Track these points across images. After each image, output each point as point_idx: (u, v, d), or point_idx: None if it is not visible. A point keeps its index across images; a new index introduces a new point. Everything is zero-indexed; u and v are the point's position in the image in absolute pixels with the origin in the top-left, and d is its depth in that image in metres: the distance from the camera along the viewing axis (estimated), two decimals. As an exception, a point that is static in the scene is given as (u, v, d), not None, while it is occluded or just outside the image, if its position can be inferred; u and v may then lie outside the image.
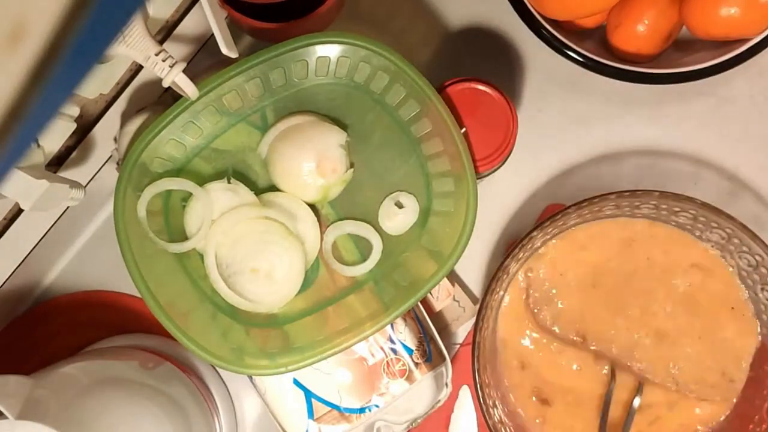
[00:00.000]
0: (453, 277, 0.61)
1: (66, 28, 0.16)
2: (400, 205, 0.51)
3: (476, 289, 0.62)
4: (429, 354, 0.54)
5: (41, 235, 0.58)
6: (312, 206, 0.52)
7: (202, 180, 0.51)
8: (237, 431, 0.61)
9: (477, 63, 0.62)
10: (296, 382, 0.53)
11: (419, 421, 0.54)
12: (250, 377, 0.54)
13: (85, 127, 0.58)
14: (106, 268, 0.61)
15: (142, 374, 0.54)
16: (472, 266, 0.62)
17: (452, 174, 0.50)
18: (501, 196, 0.62)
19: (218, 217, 0.50)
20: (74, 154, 0.58)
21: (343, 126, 0.52)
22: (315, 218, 0.51)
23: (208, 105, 0.50)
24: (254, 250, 0.50)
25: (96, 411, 0.48)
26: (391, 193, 0.52)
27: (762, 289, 0.54)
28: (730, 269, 0.55)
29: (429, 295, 0.58)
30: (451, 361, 0.57)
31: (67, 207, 0.57)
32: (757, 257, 0.52)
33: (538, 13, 0.56)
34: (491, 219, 0.62)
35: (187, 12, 0.59)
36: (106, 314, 0.61)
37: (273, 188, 0.52)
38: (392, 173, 0.52)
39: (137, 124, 0.53)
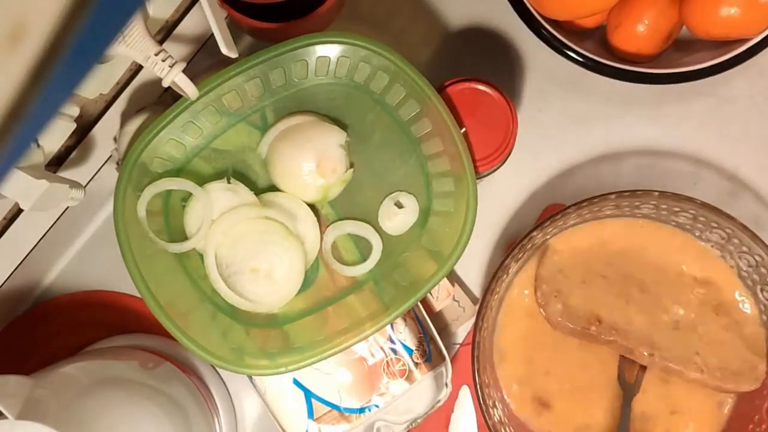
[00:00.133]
0: (453, 277, 0.61)
1: (66, 28, 0.16)
2: (400, 205, 0.51)
3: (476, 289, 0.62)
4: (429, 354, 0.54)
5: (41, 235, 0.58)
6: (312, 206, 0.52)
7: (202, 180, 0.51)
8: (237, 431, 0.61)
9: (477, 63, 0.62)
10: (296, 382, 0.53)
11: (419, 421, 0.54)
12: (250, 377, 0.54)
13: (85, 127, 0.58)
14: (106, 268, 0.61)
15: (142, 374, 0.54)
16: (472, 266, 0.62)
17: (452, 174, 0.50)
18: (501, 196, 0.62)
19: (218, 217, 0.50)
20: (74, 154, 0.58)
21: (343, 126, 0.52)
22: (315, 218, 0.51)
23: (208, 105, 0.50)
24: (254, 250, 0.50)
25: (96, 411, 0.48)
26: (391, 193, 0.52)
27: (762, 289, 0.54)
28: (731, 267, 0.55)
29: (429, 295, 0.58)
30: (451, 361, 0.57)
31: (67, 207, 0.57)
32: (757, 257, 0.52)
33: (538, 13, 0.56)
34: (491, 219, 0.62)
35: (187, 12, 0.59)
36: (106, 314, 0.61)
37: (273, 188, 0.52)
38: (392, 173, 0.52)
39: (137, 124, 0.53)
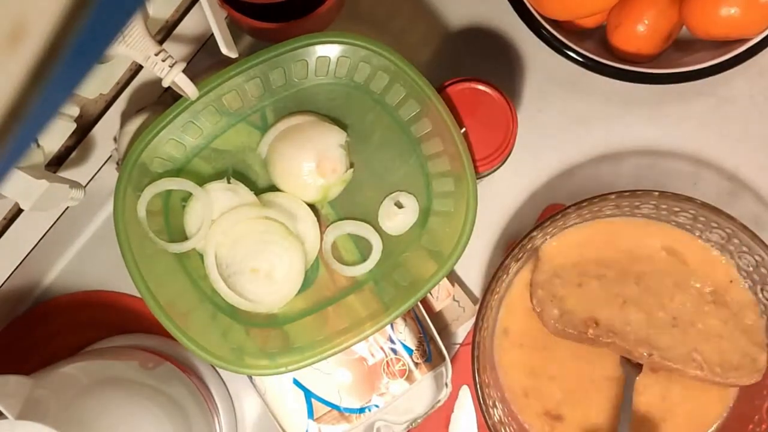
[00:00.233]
0: (453, 277, 0.61)
1: (66, 28, 0.16)
2: (400, 205, 0.51)
3: (476, 289, 0.62)
4: (429, 354, 0.54)
5: (41, 235, 0.58)
6: (312, 206, 0.52)
7: (202, 180, 0.51)
8: (237, 431, 0.61)
9: (477, 63, 0.62)
10: (296, 382, 0.53)
11: (419, 421, 0.54)
12: (250, 377, 0.54)
13: (85, 127, 0.58)
14: (106, 268, 0.61)
15: (142, 374, 0.54)
16: (472, 266, 0.62)
17: (452, 174, 0.50)
18: (501, 196, 0.62)
19: (218, 217, 0.50)
20: (74, 154, 0.58)
21: (343, 126, 0.52)
22: (315, 218, 0.51)
23: (208, 105, 0.50)
24: (254, 250, 0.50)
25: (96, 411, 0.48)
26: (391, 193, 0.52)
27: (762, 289, 0.54)
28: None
29: (429, 295, 0.58)
30: (451, 361, 0.57)
31: (67, 207, 0.57)
32: (757, 257, 0.52)
33: (538, 13, 0.56)
34: (491, 219, 0.62)
35: (187, 12, 0.59)
36: (106, 314, 0.61)
37: (273, 188, 0.52)
38: (392, 173, 0.52)
39: (137, 124, 0.53)
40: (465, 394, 0.60)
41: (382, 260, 0.51)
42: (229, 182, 0.51)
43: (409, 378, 0.53)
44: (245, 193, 0.51)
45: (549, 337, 0.56)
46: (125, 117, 0.58)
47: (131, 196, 0.49)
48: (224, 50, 0.47)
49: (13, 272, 0.58)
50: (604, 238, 0.56)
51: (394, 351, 0.53)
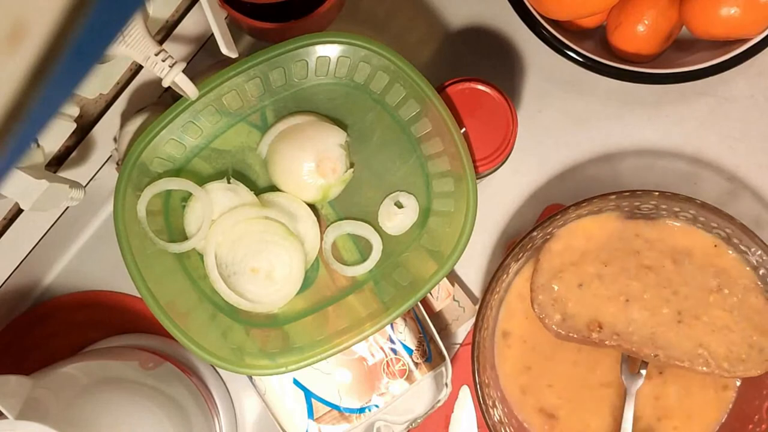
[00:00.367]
0: (453, 277, 0.61)
1: (66, 28, 0.16)
2: (400, 205, 0.51)
3: (476, 289, 0.62)
4: (429, 354, 0.54)
5: (41, 235, 0.58)
6: (312, 206, 0.52)
7: (202, 180, 0.51)
8: (237, 431, 0.61)
9: (477, 63, 0.62)
10: (296, 382, 0.53)
11: (419, 421, 0.54)
12: (250, 377, 0.54)
13: (84, 127, 0.58)
14: (106, 268, 0.61)
15: (142, 374, 0.54)
16: (472, 266, 0.62)
17: (452, 174, 0.50)
18: (501, 196, 0.62)
19: (218, 217, 0.50)
20: (74, 154, 0.58)
21: (343, 126, 0.52)
22: (315, 218, 0.51)
23: (208, 105, 0.50)
24: (254, 250, 0.50)
25: (96, 411, 0.48)
26: (391, 193, 0.52)
27: (763, 289, 0.54)
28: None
29: (429, 295, 0.58)
30: (451, 361, 0.57)
31: (67, 207, 0.57)
32: (758, 257, 0.52)
33: (538, 13, 0.56)
34: (491, 219, 0.62)
35: (187, 12, 0.59)
36: (106, 314, 0.61)
37: (273, 188, 0.52)
38: (392, 173, 0.52)
39: (137, 124, 0.53)
40: (465, 394, 0.60)
41: (382, 260, 0.51)
42: (229, 182, 0.51)
43: (409, 378, 0.53)
44: (245, 193, 0.51)
45: (548, 338, 0.56)
46: (125, 117, 0.58)
47: (131, 196, 0.49)
48: (224, 50, 0.47)
49: (13, 272, 0.58)
50: (604, 233, 0.56)
51: (394, 351, 0.53)
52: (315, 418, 0.53)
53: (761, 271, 0.53)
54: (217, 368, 0.61)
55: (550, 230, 0.54)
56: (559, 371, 0.56)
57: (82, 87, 0.52)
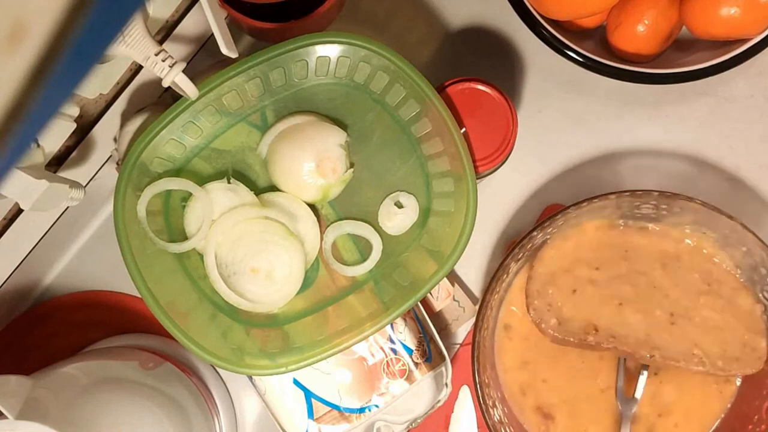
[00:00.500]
0: (453, 277, 0.61)
1: (66, 28, 0.16)
2: (400, 205, 0.51)
3: (476, 289, 0.62)
4: (429, 354, 0.54)
5: (41, 235, 0.58)
6: (312, 206, 0.52)
7: (202, 180, 0.51)
8: (237, 431, 0.61)
9: (477, 63, 0.62)
10: (296, 382, 0.53)
11: (419, 421, 0.54)
12: (250, 377, 0.54)
13: (85, 127, 0.58)
14: (106, 268, 0.61)
15: (142, 374, 0.54)
16: (472, 266, 0.62)
17: (452, 174, 0.50)
18: (501, 196, 0.62)
19: (218, 217, 0.50)
20: (74, 154, 0.58)
21: (343, 126, 0.52)
22: (315, 218, 0.51)
23: (208, 105, 0.50)
24: (254, 250, 0.50)
25: (96, 411, 0.48)
26: (391, 193, 0.52)
27: (762, 289, 0.54)
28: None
29: (429, 295, 0.58)
30: (451, 361, 0.57)
31: (67, 207, 0.57)
32: (757, 257, 0.52)
33: (538, 13, 0.56)
34: (491, 219, 0.62)
35: (187, 12, 0.59)
36: (106, 314, 0.61)
37: (273, 188, 0.52)
38: (392, 173, 0.52)
39: (137, 124, 0.53)
40: (465, 394, 0.60)
41: (382, 260, 0.51)
42: (229, 182, 0.51)
43: (409, 378, 0.53)
44: (245, 193, 0.51)
45: (546, 344, 0.56)
46: (125, 117, 0.58)
47: (131, 196, 0.49)
48: (224, 50, 0.47)
49: (13, 272, 0.58)
50: (594, 241, 0.56)
51: (394, 351, 0.53)
52: (315, 418, 0.53)
53: (763, 270, 0.53)
54: (217, 368, 0.61)
55: (550, 230, 0.54)
56: (559, 372, 0.57)
57: (82, 87, 0.52)
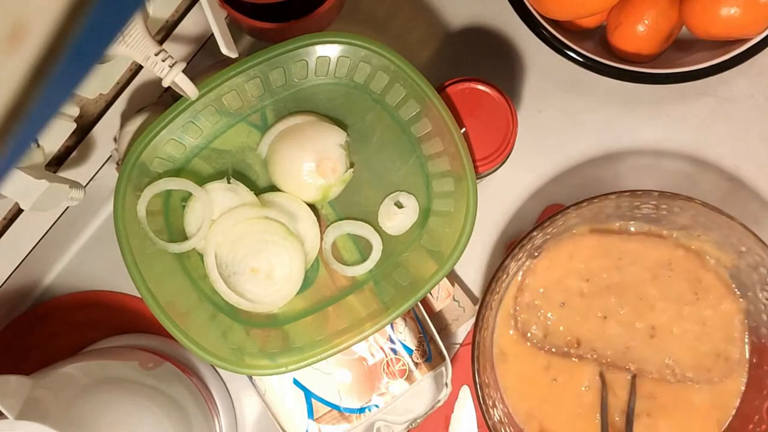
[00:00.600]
0: (453, 277, 0.61)
1: (66, 28, 0.16)
2: (400, 205, 0.51)
3: (476, 289, 0.62)
4: (429, 354, 0.54)
5: (41, 235, 0.58)
6: (312, 206, 0.52)
7: (202, 180, 0.51)
8: (237, 431, 0.61)
9: (477, 63, 0.62)
10: (296, 382, 0.53)
11: (419, 421, 0.54)
12: (250, 377, 0.54)
13: (84, 127, 0.58)
14: (106, 268, 0.61)
15: (142, 374, 0.54)
16: (472, 266, 0.62)
17: (452, 174, 0.50)
18: (501, 196, 0.62)
19: (218, 217, 0.50)
20: (74, 154, 0.58)
21: (343, 126, 0.52)
22: (315, 218, 0.51)
23: (208, 105, 0.50)
24: (254, 250, 0.50)
25: (96, 411, 0.48)
26: (391, 193, 0.52)
27: (762, 289, 0.54)
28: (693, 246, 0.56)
29: (429, 295, 0.58)
30: (451, 361, 0.57)
31: (67, 207, 0.57)
32: (757, 257, 0.52)
33: (538, 13, 0.56)
34: (491, 219, 0.62)
35: (187, 12, 0.59)
36: (106, 314, 0.61)
37: (273, 188, 0.52)
38: (392, 173, 0.52)
39: (137, 124, 0.53)
40: (465, 394, 0.60)
41: (382, 260, 0.51)
42: (229, 182, 0.51)
43: (409, 378, 0.53)
44: (245, 193, 0.51)
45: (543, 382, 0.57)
46: (125, 117, 0.58)
47: (131, 196, 0.49)
48: (224, 50, 0.47)
49: (13, 272, 0.58)
50: (591, 247, 0.56)
51: (394, 351, 0.53)
52: (315, 418, 0.53)
53: (763, 270, 0.53)
54: (217, 368, 0.61)
55: (550, 230, 0.54)
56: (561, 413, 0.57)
57: (82, 87, 0.52)
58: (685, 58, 0.58)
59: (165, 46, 0.46)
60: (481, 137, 0.52)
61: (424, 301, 0.58)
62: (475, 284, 0.62)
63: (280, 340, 0.50)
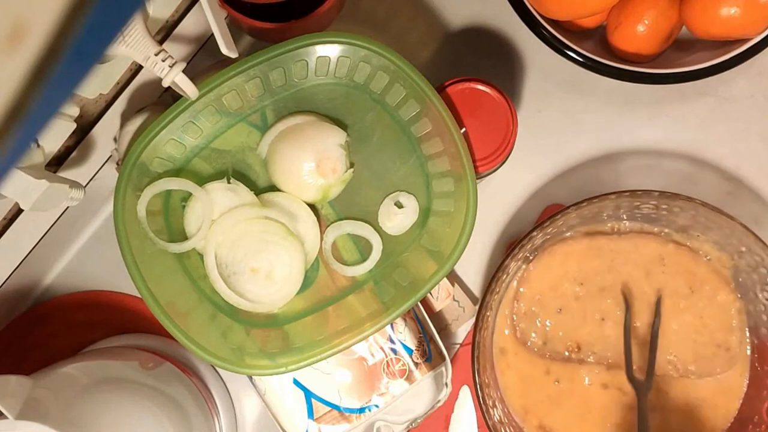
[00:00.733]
0: (453, 277, 0.61)
1: (66, 28, 0.16)
2: (400, 205, 0.51)
3: (476, 289, 0.62)
4: (429, 354, 0.54)
5: (41, 235, 0.58)
6: (312, 206, 0.52)
7: (202, 180, 0.51)
8: (237, 431, 0.61)
9: (477, 63, 0.62)
10: (296, 382, 0.53)
11: (419, 421, 0.54)
12: (250, 377, 0.54)
13: (84, 127, 0.58)
14: (106, 268, 0.61)
15: (142, 374, 0.54)
16: (472, 266, 0.62)
17: (452, 174, 0.50)
18: (501, 196, 0.62)
19: (218, 217, 0.50)
20: (74, 154, 0.58)
21: (343, 126, 0.52)
22: (315, 218, 0.51)
23: (208, 105, 0.50)
24: (254, 250, 0.50)
25: (96, 411, 0.48)
26: (391, 193, 0.52)
27: (762, 289, 0.54)
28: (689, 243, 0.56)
29: (429, 295, 0.58)
30: (451, 361, 0.57)
31: (67, 207, 0.57)
32: (757, 257, 0.52)
33: (538, 13, 0.56)
34: (491, 219, 0.62)
35: (187, 12, 0.59)
36: (106, 314, 0.61)
37: (273, 188, 0.52)
38: (392, 173, 0.52)
39: (137, 124, 0.53)
40: (465, 394, 0.60)
41: (382, 260, 0.51)
42: (229, 182, 0.51)
43: (409, 378, 0.53)
44: (245, 193, 0.51)
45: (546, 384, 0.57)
46: (125, 117, 0.58)
47: (131, 196, 0.49)
48: (224, 50, 0.47)
49: (13, 272, 0.58)
50: (580, 253, 0.56)
51: (394, 351, 0.53)
52: (315, 418, 0.53)
53: (763, 270, 0.53)
54: (217, 368, 0.61)
55: (550, 230, 0.54)
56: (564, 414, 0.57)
57: (82, 87, 0.52)
58: (685, 58, 0.58)
59: (165, 46, 0.46)
60: (481, 137, 0.52)
61: (424, 301, 0.58)
62: (475, 284, 0.62)
63: (280, 340, 0.50)
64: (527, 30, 0.57)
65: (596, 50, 0.57)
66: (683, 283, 0.56)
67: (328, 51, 0.50)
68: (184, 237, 0.51)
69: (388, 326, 0.52)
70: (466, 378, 0.59)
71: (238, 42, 0.55)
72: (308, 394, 0.53)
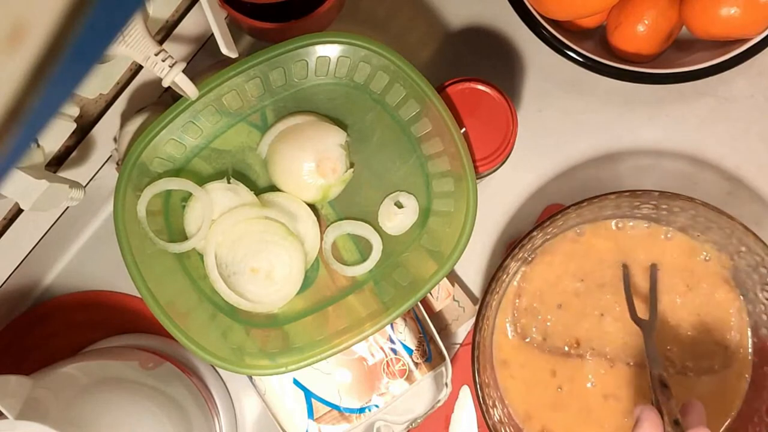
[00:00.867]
0: (453, 277, 0.61)
1: (66, 28, 0.16)
2: (400, 205, 0.51)
3: (476, 289, 0.62)
4: (429, 354, 0.54)
5: (41, 235, 0.58)
6: (312, 206, 0.52)
7: (202, 180, 0.51)
8: (237, 431, 0.61)
9: (477, 63, 0.62)
10: (296, 382, 0.53)
11: (419, 421, 0.54)
12: (250, 377, 0.54)
13: (84, 127, 0.58)
14: (106, 268, 0.61)
15: (142, 374, 0.54)
16: (472, 266, 0.62)
17: (452, 174, 0.50)
18: (501, 196, 0.62)
19: (218, 217, 0.50)
20: (74, 154, 0.58)
21: (343, 126, 0.52)
22: (315, 218, 0.51)
23: (208, 105, 0.50)
24: (254, 250, 0.50)
25: (96, 411, 0.48)
26: (391, 193, 0.52)
27: (762, 289, 0.54)
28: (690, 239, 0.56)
29: (429, 295, 0.58)
30: (451, 361, 0.57)
31: (67, 207, 0.57)
32: (757, 257, 0.52)
33: (538, 13, 0.56)
34: (491, 219, 0.62)
35: (187, 12, 0.59)
36: (106, 314, 0.61)
37: (273, 188, 0.52)
38: (392, 173, 0.52)
39: (137, 124, 0.53)
40: (465, 394, 0.60)
41: (382, 260, 0.51)
42: (229, 182, 0.51)
43: (409, 378, 0.53)
44: (245, 193, 0.51)
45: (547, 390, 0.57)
46: (125, 117, 0.58)
47: (131, 196, 0.49)
48: (224, 50, 0.47)
49: (13, 272, 0.58)
50: (581, 251, 0.56)
51: (394, 351, 0.53)
52: (315, 418, 0.53)
53: (763, 270, 0.53)
54: (217, 368, 0.61)
55: (550, 230, 0.54)
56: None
57: (82, 87, 0.52)
58: (685, 58, 0.58)
59: (165, 46, 0.46)
60: (481, 137, 0.52)
61: (424, 301, 0.58)
62: (475, 284, 0.62)
63: (280, 340, 0.50)
64: (527, 30, 0.57)
65: (596, 50, 0.57)
66: (680, 281, 0.56)
67: (328, 51, 0.50)
68: (184, 237, 0.51)
69: (388, 326, 0.53)
70: (466, 378, 0.59)
71: (238, 42, 0.55)
72: (308, 394, 0.53)
